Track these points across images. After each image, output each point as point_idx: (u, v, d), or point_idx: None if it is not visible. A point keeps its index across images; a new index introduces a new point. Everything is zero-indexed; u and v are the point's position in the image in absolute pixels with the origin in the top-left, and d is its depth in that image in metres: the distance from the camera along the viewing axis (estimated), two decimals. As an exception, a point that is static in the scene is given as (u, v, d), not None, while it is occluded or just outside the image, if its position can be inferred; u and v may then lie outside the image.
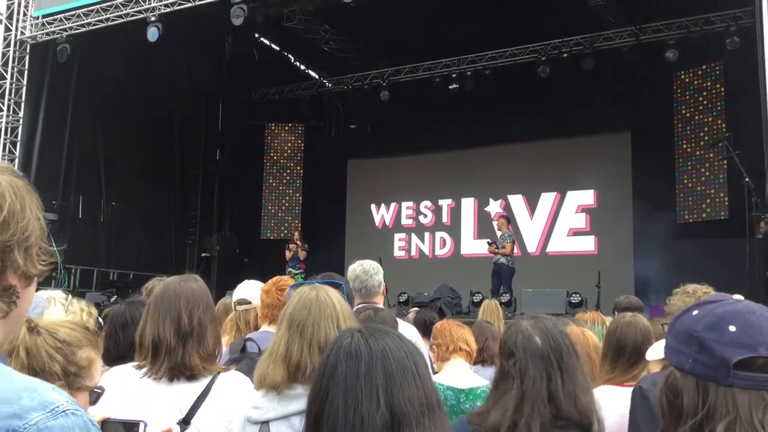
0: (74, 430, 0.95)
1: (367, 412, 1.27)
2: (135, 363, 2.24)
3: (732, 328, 1.14)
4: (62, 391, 0.93)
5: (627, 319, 2.79)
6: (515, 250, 11.83)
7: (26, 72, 12.34)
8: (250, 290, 3.41)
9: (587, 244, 14.22)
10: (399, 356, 1.33)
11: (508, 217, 12.53)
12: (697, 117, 12.60)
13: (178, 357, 2.13)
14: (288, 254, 13.52)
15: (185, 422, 2.08)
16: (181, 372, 2.15)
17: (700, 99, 12.58)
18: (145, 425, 1.83)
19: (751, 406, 1.11)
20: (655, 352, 1.44)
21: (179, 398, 2.13)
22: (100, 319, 3.06)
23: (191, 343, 2.15)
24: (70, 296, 3.79)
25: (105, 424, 1.70)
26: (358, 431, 1.26)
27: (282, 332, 1.97)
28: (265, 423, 1.89)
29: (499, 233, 11.96)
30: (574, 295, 10.75)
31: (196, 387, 2.15)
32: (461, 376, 3.27)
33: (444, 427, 1.32)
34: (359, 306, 3.21)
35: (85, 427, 0.99)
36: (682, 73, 12.84)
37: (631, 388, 2.52)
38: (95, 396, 1.82)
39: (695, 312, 1.21)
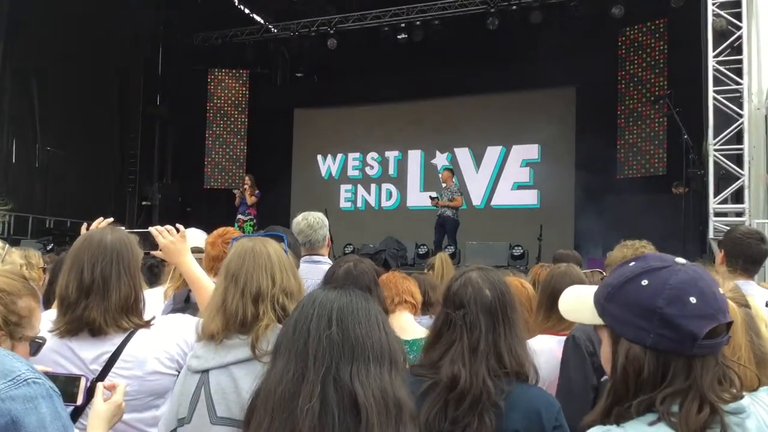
0: (37, 399, 0.91)
1: (315, 327, 1.25)
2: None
3: (693, 300, 1.15)
4: (21, 358, 0.88)
5: (562, 270, 2.84)
6: (459, 203, 11.94)
7: (-50, 6, 11.60)
8: (199, 239, 3.33)
9: (530, 198, 14.48)
10: (362, 303, 1.32)
11: (453, 170, 12.59)
12: (640, 74, 12.80)
13: (79, 311, 2.05)
14: (236, 200, 13.32)
15: (99, 381, 2.03)
16: (82, 327, 2.06)
17: (644, 56, 12.76)
18: (87, 380, 1.80)
19: (706, 370, 1.15)
20: (574, 310, 1.39)
21: (85, 354, 2.06)
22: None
23: (93, 297, 2.06)
24: (7, 246, 3.62)
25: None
26: (302, 344, 1.23)
27: (219, 282, 1.99)
28: (204, 372, 1.90)
29: (444, 185, 12.05)
30: (516, 248, 11.00)
31: (105, 345, 2.07)
32: (407, 327, 3.28)
33: (405, 383, 1.29)
34: (349, 260, 3.10)
35: (47, 394, 0.94)
36: (628, 29, 12.97)
37: (566, 337, 2.59)
38: (36, 346, 1.76)
39: (644, 282, 1.19)
